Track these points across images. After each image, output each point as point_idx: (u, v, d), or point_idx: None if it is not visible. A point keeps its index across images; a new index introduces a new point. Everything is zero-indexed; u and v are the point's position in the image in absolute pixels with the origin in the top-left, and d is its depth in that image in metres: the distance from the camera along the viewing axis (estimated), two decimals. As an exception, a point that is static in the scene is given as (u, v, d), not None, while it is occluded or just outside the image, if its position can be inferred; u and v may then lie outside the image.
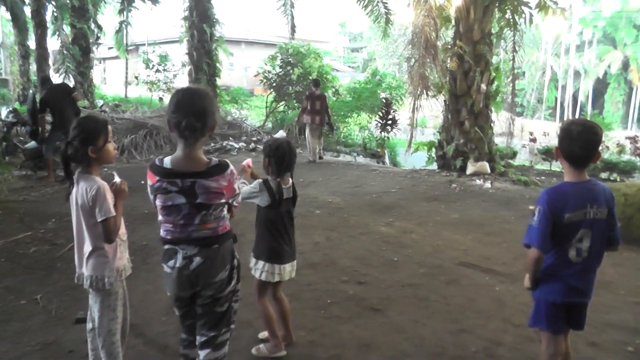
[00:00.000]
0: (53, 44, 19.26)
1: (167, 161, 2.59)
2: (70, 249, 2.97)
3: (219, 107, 2.94)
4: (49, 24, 17.05)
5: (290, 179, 3.53)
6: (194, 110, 2.50)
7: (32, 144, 9.33)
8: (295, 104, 16.05)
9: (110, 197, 2.81)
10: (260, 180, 3.42)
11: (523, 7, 10.75)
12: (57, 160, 9.31)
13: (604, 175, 12.71)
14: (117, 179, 2.97)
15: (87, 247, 2.85)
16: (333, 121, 16.40)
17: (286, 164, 3.43)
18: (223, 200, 2.63)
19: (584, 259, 2.74)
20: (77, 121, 2.88)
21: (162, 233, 2.70)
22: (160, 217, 2.67)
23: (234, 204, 2.78)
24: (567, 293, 2.77)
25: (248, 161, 3.55)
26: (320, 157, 12.59)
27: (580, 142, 2.62)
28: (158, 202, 2.62)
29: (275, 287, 3.64)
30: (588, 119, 15.24)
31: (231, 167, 2.63)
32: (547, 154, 13.92)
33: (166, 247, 2.70)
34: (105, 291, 2.88)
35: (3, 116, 10.27)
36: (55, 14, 18.61)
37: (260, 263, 3.48)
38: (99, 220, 2.76)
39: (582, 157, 2.67)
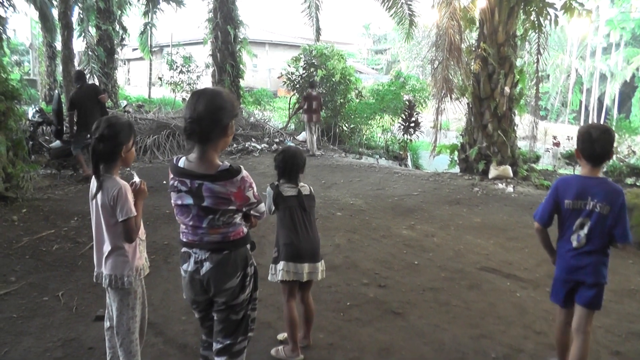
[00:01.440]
0: (79, 45, 19.55)
1: (182, 160, 2.59)
2: (92, 247, 2.99)
3: (235, 110, 2.84)
4: (75, 26, 17.29)
5: (298, 183, 3.63)
6: (197, 114, 2.46)
7: (57, 143, 9.47)
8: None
9: (131, 197, 2.83)
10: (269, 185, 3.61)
11: (548, 9, 10.60)
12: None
13: (629, 180, 12.43)
14: (136, 179, 2.99)
15: (107, 247, 2.87)
16: (356, 123, 16.56)
17: (287, 170, 3.61)
18: (232, 207, 2.56)
19: (582, 245, 3.15)
20: (110, 120, 2.86)
21: (180, 235, 2.71)
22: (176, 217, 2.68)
23: (253, 214, 2.74)
24: (569, 271, 3.22)
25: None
26: (313, 154, 13.05)
27: (600, 143, 3.08)
28: (172, 200, 2.63)
29: (302, 290, 3.66)
30: (610, 122, 14.97)
31: (243, 174, 2.54)
32: (570, 158, 13.66)
33: (183, 250, 2.71)
34: (124, 290, 2.90)
35: (30, 116, 10.41)
36: (82, 16, 18.91)
37: (279, 264, 3.53)
38: (120, 220, 2.78)
39: (601, 155, 3.13)
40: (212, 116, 2.47)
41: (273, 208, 3.54)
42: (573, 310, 3.28)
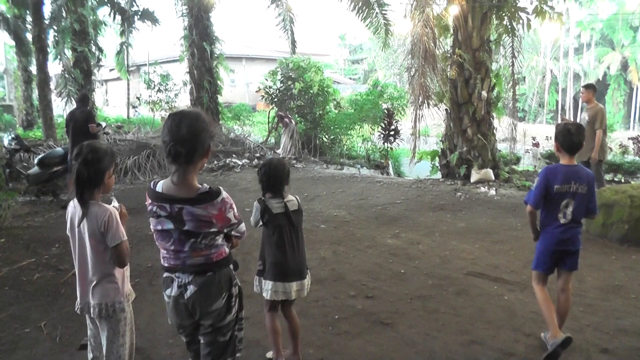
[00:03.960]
0: (55, 68, 19.36)
1: (160, 185, 2.54)
2: (75, 274, 2.92)
3: (214, 132, 2.83)
4: (50, 48, 17.12)
5: (283, 197, 3.54)
6: (180, 136, 2.41)
7: (35, 169, 9.33)
8: (298, 118, 16.06)
9: (120, 221, 2.79)
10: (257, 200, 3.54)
11: (520, 13, 10.76)
12: (61, 184, 9.30)
13: (608, 176, 12.60)
14: (115, 203, 2.94)
15: (94, 275, 2.81)
16: (336, 133, 16.67)
17: (270, 183, 3.53)
18: (214, 230, 2.52)
19: (569, 221, 3.82)
20: (93, 145, 2.82)
21: (161, 260, 2.66)
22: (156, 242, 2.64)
23: (234, 234, 2.71)
24: (558, 243, 3.87)
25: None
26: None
27: (576, 135, 3.80)
28: (152, 226, 2.58)
29: (285, 305, 3.61)
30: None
31: (223, 195, 2.50)
32: (550, 158, 13.81)
33: (165, 275, 2.66)
34: (115, 317, 2.85)
35: (6, 143, 10.24)
36: (57, 38, 18.70)
37: (267, 283, 3.48)
38: (112, 245, 2.74)
39: (578, 146, 3.83)
40: (196, 138, 2.45)
41: (260, 223, 3.50)
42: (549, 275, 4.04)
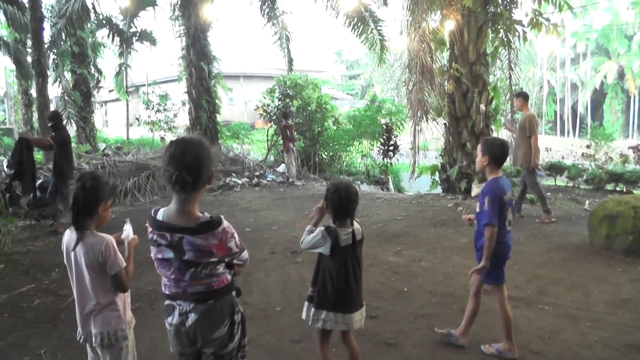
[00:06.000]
0: (55, 90, 19.45)
1: (161, 213, 2.52)
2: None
3: (215, 156, 2.82)
4: (50, 71, 17.23)
5: (352, 224, 3.37)
6: (186, 164, 2.38)
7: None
8: (296, 136, 16.09)
9: (116, 248, 2.79)
10: (323, 227, 3.32)
11: (516, 26, 10.80)
12: (62, 208, 9.21)
13: (609, 186, 12.54)
14: (129, 228, 2.97)
15: (94, 304, 2.78)
16: (335, 150, 16.65)
17: (342, 209, 3.30)
18: (214, 259, 2.48)
19: (509, 225, 4.10)
20: (95, 173, 2.85)
21: (162, 287, 2.63)
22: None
23: (236, 262, 2.67)
24: (508, 251, 4.15)
25: (320, 204, 3.40)
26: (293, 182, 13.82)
27: (507, 150, 4.10)
28: (152, 254, 2.55)
29: (346, 334, 3.52)
30: (585, 131, 15.13)
31: (224, 225, 2.47)
32: (550, 169, 13.77)
33: (166, 302, 2.63)
34: (117, 346, 2.81)
35: (5, 167, 10.21)
36: (57, 61, 18.82)
37: (322, 312, 3.33)
38: (112, 273, 2.73)
39: (505, 158, 4.13)
40: (201, 165, 2.43)
41: (318, 250, 3.33)
42: None
